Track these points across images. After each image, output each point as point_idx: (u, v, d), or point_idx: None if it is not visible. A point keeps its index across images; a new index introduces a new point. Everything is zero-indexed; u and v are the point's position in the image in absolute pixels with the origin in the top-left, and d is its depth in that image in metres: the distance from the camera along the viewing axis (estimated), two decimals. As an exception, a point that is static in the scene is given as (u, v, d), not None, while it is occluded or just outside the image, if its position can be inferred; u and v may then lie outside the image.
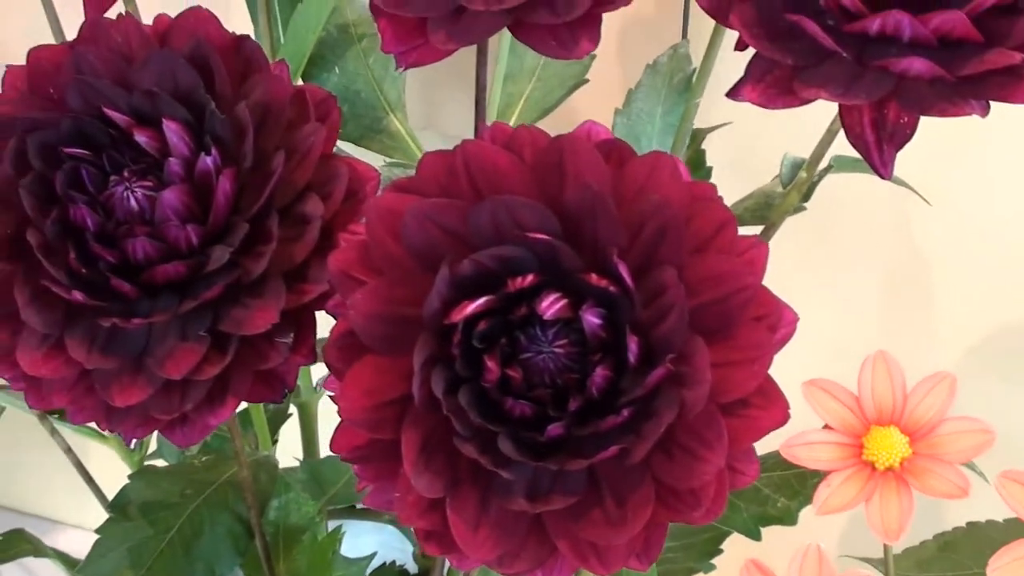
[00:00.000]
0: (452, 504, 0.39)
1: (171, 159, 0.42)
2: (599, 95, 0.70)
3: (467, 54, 0.73)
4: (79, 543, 0.90)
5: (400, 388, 0.39)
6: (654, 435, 0.37)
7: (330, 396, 0.41)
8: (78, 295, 0.41)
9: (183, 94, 0.43)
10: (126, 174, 0.42)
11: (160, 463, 0.71)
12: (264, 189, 0.42)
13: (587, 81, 0.64)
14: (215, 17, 0.44)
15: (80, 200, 0.42)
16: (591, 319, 0.38)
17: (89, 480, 0.60)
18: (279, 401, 0.44)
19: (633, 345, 0.37)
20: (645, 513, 0.38)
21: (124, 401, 0.41)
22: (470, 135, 0.77)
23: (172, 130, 0.42)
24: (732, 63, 0.59)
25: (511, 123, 0.62)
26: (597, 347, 0.38)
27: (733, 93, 0.42)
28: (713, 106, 0.61)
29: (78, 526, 1.13)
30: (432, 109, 0.85)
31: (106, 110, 0.42)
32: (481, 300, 0.38)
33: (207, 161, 0.42)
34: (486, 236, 0.38)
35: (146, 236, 0.41)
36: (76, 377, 0.42)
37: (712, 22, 0.66)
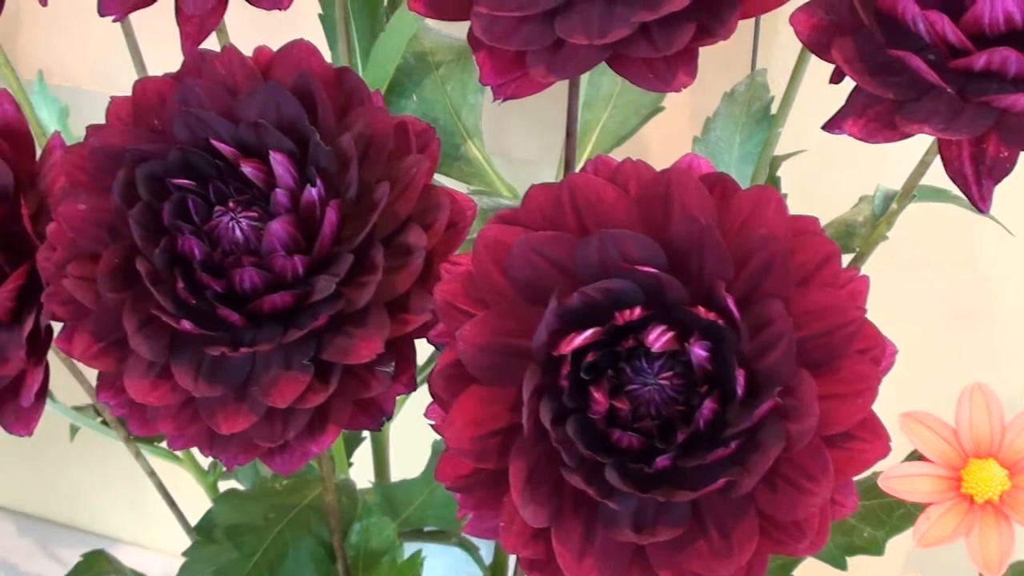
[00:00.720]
0: (557, 534, 0.39)
1: (278, 190, 0.42)
2: (669, 123, 0.70)
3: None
4: (138, 560, 0.91)
5: (506, 418, 0.39)
6: (761, 468, 0.37)
7: (431, 425, 0.41)
8: (187, 324, 0.41)
9: (287, 125, 0.43)
10: (231, 204, 0.43)
11: (234, 485, 0.71)
12: (368, 220, 0.42)
13: (663, 109, 0.65)
14: (317, 50, 0.44)
15: (187, 230, 0.43)
16: (698, 352, 0.38)
17: (171, 503, 0.61)
18: (377, 429, 0.44)
19: (740, 378, 0.38)
20: (751, 545, 0.38)
21: (229, 429, 0.42)
22: (535, 159, 0.78)
23: (278, 161, 0.42)
24: (805, 91, 0.60)
25: (587, 151, 0.62)
26: (703, 379, 0.38)
27: (831, 126, 0.43)
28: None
29: (134, 543, 1.14)
30: (497, 133, 0.85)
31: (213, 142, 0.43)
32: (589, 332, 0.38)
33: (312, 192, 0.42)
34: (593, 269, 0.39)
35: (253, 266, 0.42)
36: (181, 404, 0.43)
37: (783, 52, 0.66)
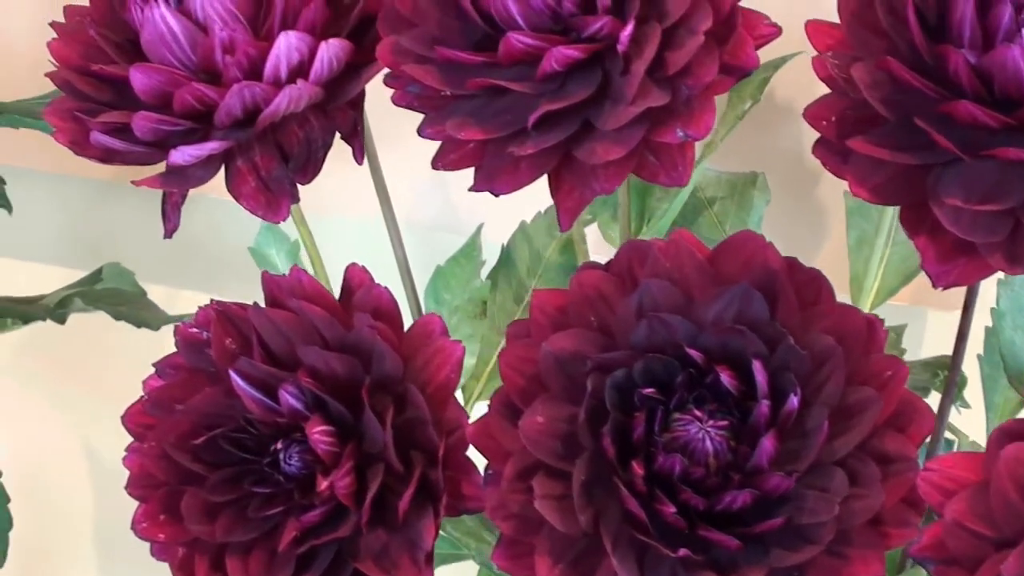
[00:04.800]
0: None
1: (763, 401, 0.40)
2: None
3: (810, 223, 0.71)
4: None
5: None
6: None
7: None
8: (684, 552, 0.39)
9: (751, 326, 0.41)
10: (699, 413, 0.40)
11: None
12: (854, 428, 0.40)
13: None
14: (770, 243, 0.42)
15: (660, 444, 0.40)
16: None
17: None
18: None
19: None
20: None
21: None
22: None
23: (759, 370, 0.40)
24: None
25: (871, 295, 0.60)
26: None
27: None
28: None
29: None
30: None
31: (688, 349, 0.40)
32: None
33: (794, 401, 0.40)
34: None
35: (743, 485, 0.39)
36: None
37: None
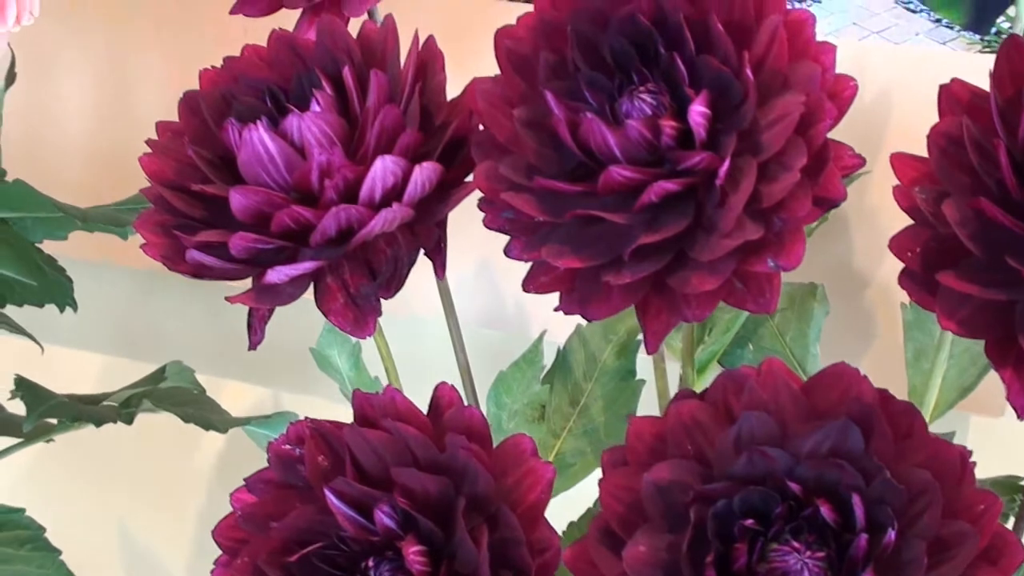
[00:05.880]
0: None
1: (862, 535, 0.41)
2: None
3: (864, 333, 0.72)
4: None
5: None
6: None
7: None
8: None
9: (848, 460, 0.42)
10: (797, 545, 0.41)
11: None
12: (949, 561, 0.41)
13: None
14: (864, 376, 0.43)
15: (759, 574, 0.41)
16: None
17: None
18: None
19: None
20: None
21: None
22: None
23: (858, 504, 0.41)
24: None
25: (931, 404, 0.61)
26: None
27: None
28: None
29: None
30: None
31: (789, 483, 0.41)
32: None
33: (891, 535, 0.41)
34: None
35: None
36: None
37: None
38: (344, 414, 0.70)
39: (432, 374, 0.61)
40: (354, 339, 0.68)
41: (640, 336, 0.68)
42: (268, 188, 0.49)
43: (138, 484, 0.98)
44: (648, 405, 0.68)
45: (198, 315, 0.92)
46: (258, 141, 0.48)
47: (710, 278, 0.44)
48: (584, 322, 0.69)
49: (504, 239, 0.47)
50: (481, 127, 0.49)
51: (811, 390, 0.43)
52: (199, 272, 0.50)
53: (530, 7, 0.48)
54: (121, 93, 0.87)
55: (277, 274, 0.48)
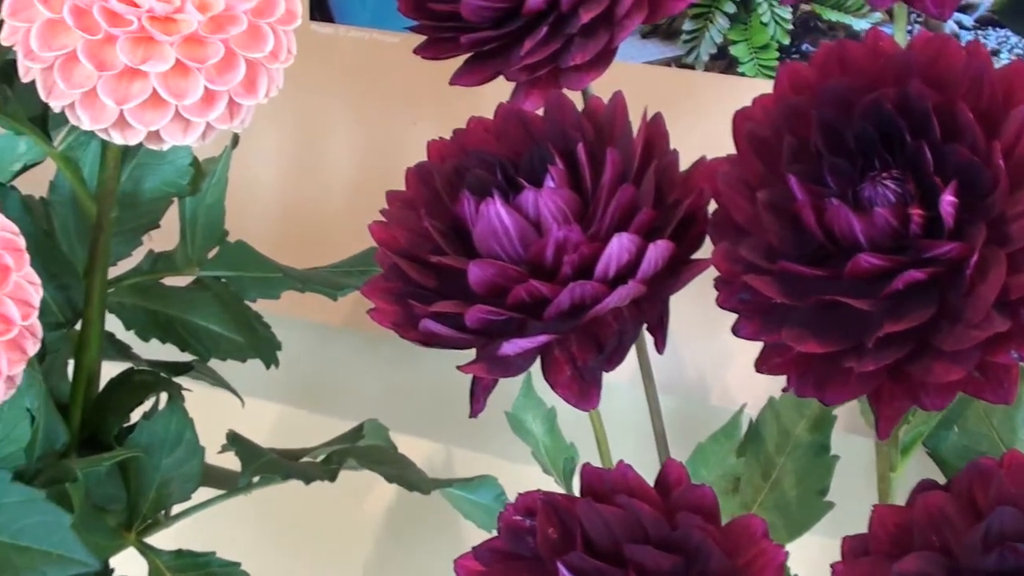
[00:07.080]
0: None
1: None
2: None
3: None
4: None
5: None
6: None
7: None
8: None
9: None
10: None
11: None
12: None
13: None
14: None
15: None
16: None
17: None
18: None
19: None
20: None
21: None
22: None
23: None
24: None
25: None
26: None
27: None
28: None
29: None
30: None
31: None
32: None
33: None
34: None
35: None
36: None
37: None
38: (526, 473, 0.71)
39: (620, 441, 0.61)
40: (549, 404, 0.69)
41: (835, 411, 0.68)
42: (502, 260, 0.49)
43: (303, 537, 0.99)
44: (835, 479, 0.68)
45: (367, 367, 0.93)
46: (495, 215, 0.49)
47: (955, 368, 0.44)
48: (777, 394, 0.69)
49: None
50: (715, 206, 0.49)
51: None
52: (429, 340, 0.51)
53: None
54: (307, 154, 0.89)
55: (512, 346, 0.49)
